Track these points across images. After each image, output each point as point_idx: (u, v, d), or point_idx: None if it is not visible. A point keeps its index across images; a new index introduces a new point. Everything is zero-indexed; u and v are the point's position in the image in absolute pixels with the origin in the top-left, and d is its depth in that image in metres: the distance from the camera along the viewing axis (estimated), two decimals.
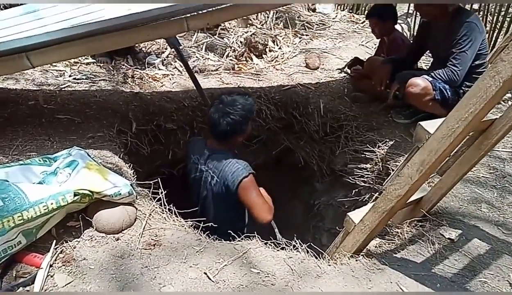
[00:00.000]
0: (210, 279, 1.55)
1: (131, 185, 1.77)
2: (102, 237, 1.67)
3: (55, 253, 1.53)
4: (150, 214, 1.86)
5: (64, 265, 1.50)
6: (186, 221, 1.96)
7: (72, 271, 1.49)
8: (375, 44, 4.61)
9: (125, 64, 3.70)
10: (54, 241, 1.57)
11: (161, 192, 2.00)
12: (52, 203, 1.52)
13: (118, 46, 2.20)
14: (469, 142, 1.86)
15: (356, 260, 1.80)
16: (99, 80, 3.31)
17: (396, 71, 3.03)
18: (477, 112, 1.28)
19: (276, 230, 2.62)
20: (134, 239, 1.70)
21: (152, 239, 1.71)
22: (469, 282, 1.72)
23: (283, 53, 4.48)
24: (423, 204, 2.16)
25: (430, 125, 1.45)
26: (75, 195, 1.58)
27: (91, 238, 1.66)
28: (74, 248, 1.60)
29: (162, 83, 3.50)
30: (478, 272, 1.78)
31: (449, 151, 1.46)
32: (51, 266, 1.48)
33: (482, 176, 2.59)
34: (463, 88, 2.79)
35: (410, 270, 1.76)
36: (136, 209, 1.84)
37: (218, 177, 2.18)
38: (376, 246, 2.02)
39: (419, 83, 2.69)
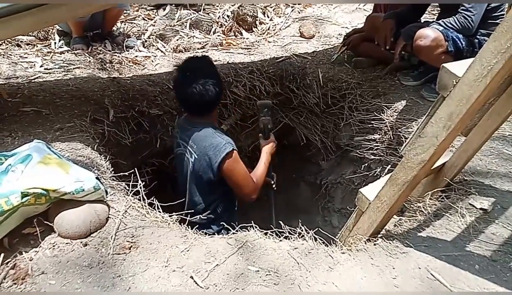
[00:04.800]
0: (197, 284, 1.26)
1: (97, 178, 1.48)
2: (67, 243, 1.39)
3: (4, 269, 1.25)
4: (126, 211, 1.57)
5: (15, 283, 1.22)
6: (171, 216, 1.67)
7: (26, 289, 1.21)
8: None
9: (103, 49, 3.38)
10: (2, 254, 1.29)
11: (140, 184, 1.71)
12: None
13: (74, 13, 1.86)
14: (498, 91, 1.54)
15: (375, 244, 1.50)
16: (74, 68, 2.99)
17: (400, 27, 2.70)
18: None
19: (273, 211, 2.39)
20: (106, 243, 1.41)
21: (127, 241, 1.42)
22: None
23: (275, 25, 4.13)
24: (446, 171, 1.86)
25: (457, 67, 1.13)
26: (23, 196, 1.29)
27: (53, 246, 1.37)
28: (30, 260, 1.31)
29: (143, 65, 3.18)
30: None
31: (484, 98, 1.15)
32: None
33: (509, 135, 2.27)
34: (478, 37, 2.46)
35: (440, 251, 1.46)
36: (109, 206, 1.55)
37: (198, 154, 1.94)
38: (395, 225, 1.73)
39: (429, 34, 2.35)
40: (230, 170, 1.90)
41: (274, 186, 2.47)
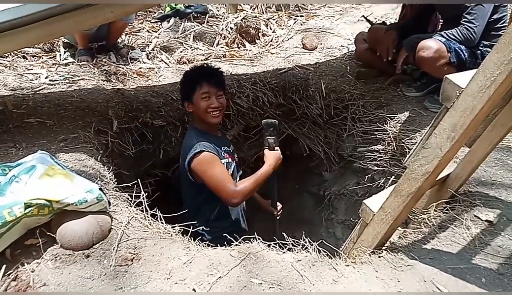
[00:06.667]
0: None
1: (100, 189, 1.48)
2: (69, 255, 1.38)
3: (5, 281, 1.24)
4: (128, 222, 1.56)
5: None
6: (173, 227, 1.66)
7: None
8: (375, 18, 4.30)
9: (108, 61, 3.41)
10: (4, 265, 1.28)
11: (142, 195, 1.71)
12: None
13: (80, 26, 1.89)
14: (502, 102, 1.54)
15: (379, 257, 1.48)
16: (79, 80, 3.01)
17: (402, 39, 2.71)
18: None
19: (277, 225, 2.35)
20: (108, 254, 1.40)
21: (130, 253, 1.42)
22: None
23: (278, 36, 4.16)
24: (451, 183, 1.85)
25: (460, 78, 1.13)
26: (26, 207, 1.29)
27: (55, 257, 1.37)
28: (32, 271, 1.31)
29: (147, 77, 3.20)
30: None
31: (488, 109, 1.14)
32: None
33: None
34: (480, 48, 2.46)
35: (445, 264, 1.44)
36: (111, 217, 1.54)
37: (182, 157, 2.03)
38: (400, 237, 1.71)
39: (431, 45, 2.35)
40: (201, 171, 1.91)
41: (278, 216, 2.35)
